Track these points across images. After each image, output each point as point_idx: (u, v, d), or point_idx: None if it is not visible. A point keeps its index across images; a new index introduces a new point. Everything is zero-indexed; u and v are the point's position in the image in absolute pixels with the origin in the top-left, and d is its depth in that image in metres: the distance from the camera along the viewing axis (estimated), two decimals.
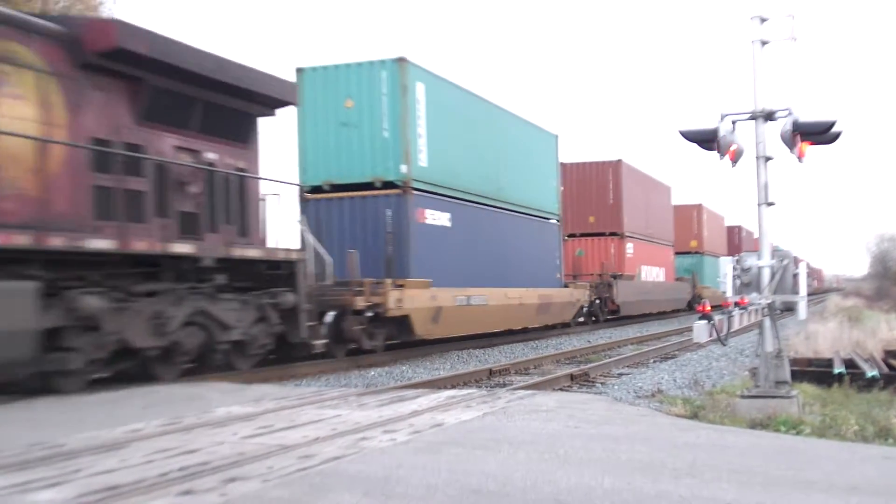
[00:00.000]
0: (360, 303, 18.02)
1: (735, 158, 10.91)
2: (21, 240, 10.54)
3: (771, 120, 10.81)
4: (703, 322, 10.45)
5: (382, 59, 20.23)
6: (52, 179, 11.31)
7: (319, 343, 16.34)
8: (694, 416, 10.64)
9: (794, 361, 14.89)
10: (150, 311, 12.57)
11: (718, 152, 10.79)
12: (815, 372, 15.66)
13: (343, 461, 6.26)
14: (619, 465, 6.13)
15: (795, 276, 11.04)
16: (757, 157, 10.89)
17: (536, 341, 25.55)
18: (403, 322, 19.37)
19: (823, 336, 21.38)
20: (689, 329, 16.00)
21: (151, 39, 12.55)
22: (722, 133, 10.74)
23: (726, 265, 11.49)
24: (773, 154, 10.86)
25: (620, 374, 16.82)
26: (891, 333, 22.34)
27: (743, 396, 10.84)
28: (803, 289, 11.07)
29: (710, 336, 10.55)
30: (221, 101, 14.25)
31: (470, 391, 11.60)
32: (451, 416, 8.57)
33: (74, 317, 11.29)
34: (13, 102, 10.97)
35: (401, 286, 19.10)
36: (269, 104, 15.52)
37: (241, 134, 14.96)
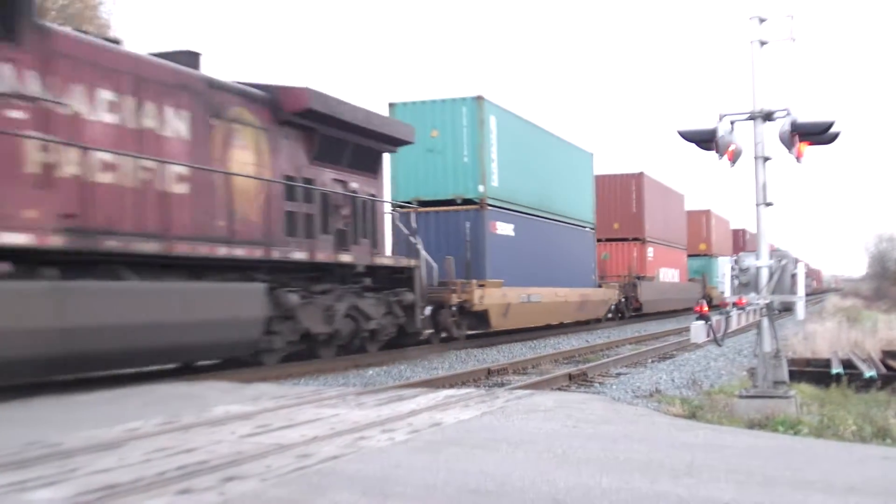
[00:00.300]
0: (454, 299, 22.04)
1: (733, 159, 10.91)
2: (257, 253, 15.14)
3: (769, 120, 10.81)
4: (701, 322, 10.45)
5: (463, 97, 24.54)
6: (263, 207, 15.66)
7: (427, 332, 21.16)
8: (692, 415, 10.64)
9: (792, 362, 14.90)
10: (324, 305, 16.93)
11: (717, 152, 10.79)
12: (813, 372, 15.69)
13: (341, 460, 6.26)
14: (618, 464, 6.13)
15: (794, 276, 11.04)
16: (755, 158, 10.89)
17: (535, 341, 25.57)
18: (482, 315, 23.48)
19: (822, 336, 21.42)
20: (687, 329, 16.01)
21: (326, 100, 17.00)
22: (720, 133, 10.73)
23: (725, 265, 11.49)
24: (771, 154, 10.87)
25: (619, 374, 16.82)
26: (889, 334, 22.37)
27: (741, 396, 10.84)
28: (801, 289, 11.07)
29: (708, 336, 10.55)
30: (363, 143, 18.80)
31: (468, 391, 11.60)
32: (450, 415, 8.57)
33: (282, 309, 15.57)
34: (241, 152, 15.26)
35: (482, 285, 23.20)
36: (395, 143, 20.25)
37: (373, 167, 19.65)
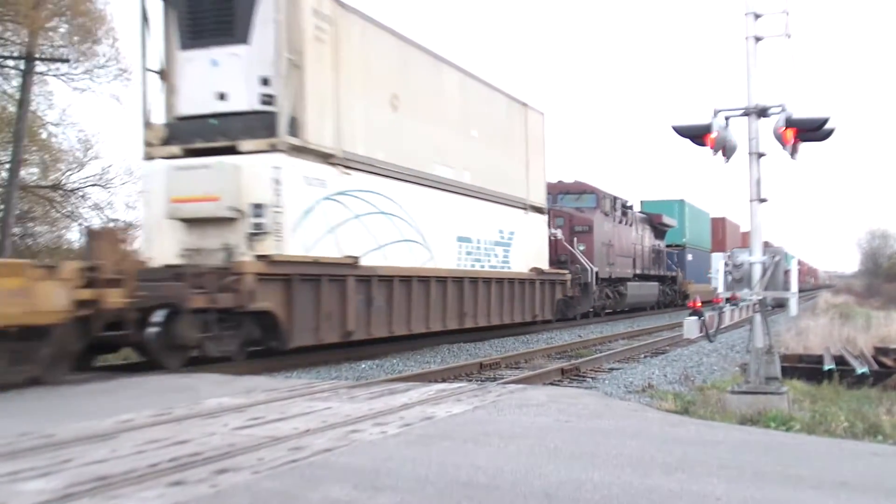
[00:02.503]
0: None
1: (728, 155, 10.92)
2: (653, 273, 42.98)
3: (764, 116, 10.81)
4: (694, 318, 10.45)
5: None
6: (651, 256, 42.40)
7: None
8: (684, 411, 10.65)
9: (784, 358, 14.93)
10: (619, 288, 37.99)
11: (711, 148, 10.79)
12: (805, 368, 15.71)
13: (333, 453, 6.27)
14: (609, 459, 6.14)
15: (787, 272, 11.05)
16: (749, 154, 10.89)
17: (527, 336, 25.56)
18: None
19: (814, 332, 21.46)
20: (680, 325, 16.02)
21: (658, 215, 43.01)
22: (715, 129, 10.74)
23: (718, 261, 11.50)
24: (766, 150, 10.88)
25: (611, 369, 16.83)
26: (881, 330, 22.42)
27: (733, 392, 10.85)
28: (795, 285, 11.08)
29: (701, 332, 10.56)
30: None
31: (460, 385, 11.60)
32: (442, 409, 8.58)
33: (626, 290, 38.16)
34: (647, 236, 41.96)
35: None
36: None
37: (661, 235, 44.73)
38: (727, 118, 10.92)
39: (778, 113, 10.67)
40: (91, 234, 14.27)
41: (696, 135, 10.95)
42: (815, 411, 10.79)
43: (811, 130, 10.67)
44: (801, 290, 11.49)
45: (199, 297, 13.66)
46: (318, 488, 5.22)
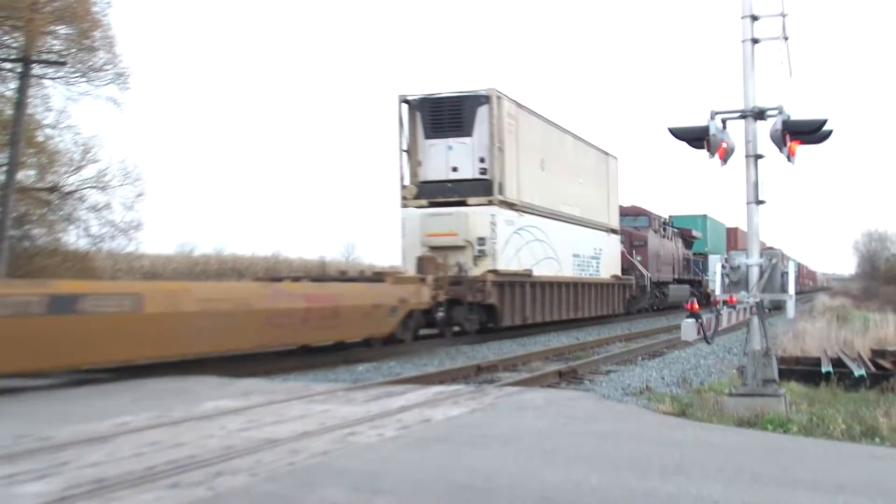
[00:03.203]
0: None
1: (725, 157, 10.92)
2: (687, 278, 49.66)
3: (762, 119, 10.82)
4: (691, 320, 10.45)
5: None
6: (683, 263, 48.86)
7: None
8: (682, 413, 10.65)
9: (781, 360, 14.93)
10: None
11: (708, 151, 10.79)
12: (802, 371, 15.71)
13: (331, 456, 6.26)
14: (607, 462, 6.14)
15: (784, 274, 11.06)
16: (747, 156, 10.90)
17: (525, 338, 25.56)
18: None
19: (811, 335, 21.46)
20: (677, 327, 16.02)
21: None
22: (712, 131, 10.74)
23: (715, 264, 11.49)
24: (763, 153, 10.88)
25: (609, 372, 16.83)
26: (878, 333, 22.43)
27: (731, 395, 10.86)
28: (792, 287, 11.09)
29: (698, 334, 10.56)
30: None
31: (458, 387, 11.59)
32: (439, 411, 8.58)
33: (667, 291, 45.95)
34: (679, 246, 49.47)
35: None
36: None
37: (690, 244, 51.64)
38: (724, 120, 10.92)
39: (775, 115, 10.67)
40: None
41: (693, 137, 10.95)
42: (812, 414, 10.79)
43: (809, 133, 10.68)
44: (800, 293, 11.52)
45: (470, 295, 22.91)
46: (315, 491, 5.22)
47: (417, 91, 25.27)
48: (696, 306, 10.72)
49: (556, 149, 29.76)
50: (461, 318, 22.92)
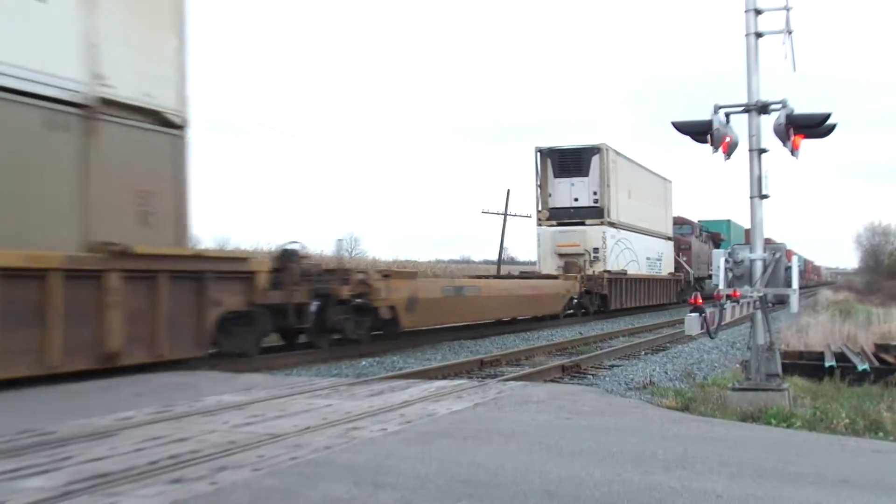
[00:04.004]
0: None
1: (728, 151, 10.90)
2: (703, 274, 52.60)
3: (765, 113, 10.80)
4: (695, 314, 10.43)
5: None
6: (707, 262, 54.41)
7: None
8: (685, 408, 10.65)
9: (785, 354, 14.92)
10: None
11: (712, 145, 10.77)
12: (806, 365, 15.72)
13: (334, 451, 6.26)
14: (610, 456, 6.13)
15: (788, 269, 11.04)
16: (750, 150, 10.88)
17: (528, 332, 25.57)
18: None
19: (815, 329, 21.46)
20: (681, 321, 16.02)
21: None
22: (716, 125, 10.72)
23: (719, 258, 11.48)
24: (767, 147, 10.85)
25: (612, 366, 16.82)
26: (882, 327, 22.41)
27: (734, 389, 10.85)
28: (795, 282, 11.06)
29: (702, 328, 10.55)
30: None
31: (461, 382, 11.59)
32: (443, 406, 8.57)
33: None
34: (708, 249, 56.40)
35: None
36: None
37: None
38: (728, 115, 10.90)
39: (779, 109, 10.65)
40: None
41: (697, 132, 10.93)
42: (815, 408, 10.78)
43: (812, 127, 10.65)
44: (806, 287, 11.51)
45: (597, 287, 33.23)
46: (318, 486, 5.21)
47: (545, 143, 37.60)
48: (700, 301, 10.70)
49: (637, 179, 39.76)
50: (587, 303, 32.82)
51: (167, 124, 13.24)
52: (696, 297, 10.88)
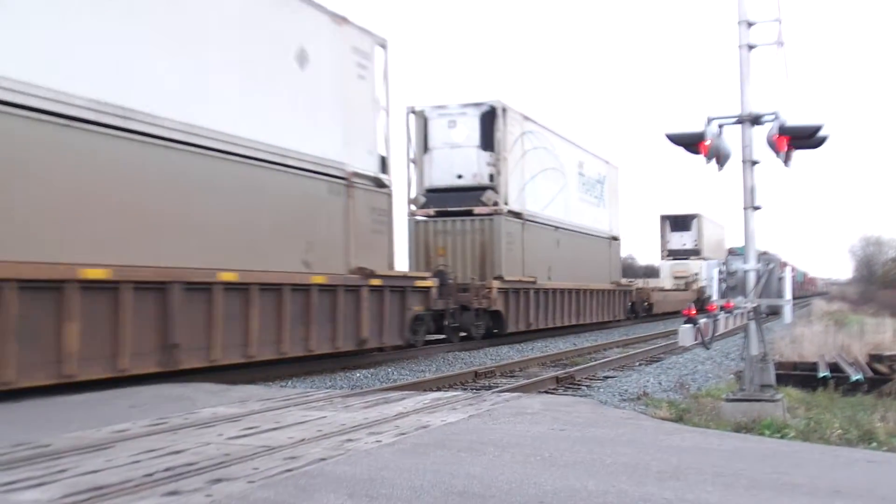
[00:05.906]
0: None
1: (721, 162, 10.94)
2: None
3: (758, 124, 10.84)
4: (689, 326, 10.46)
5: None
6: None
7: None
8: (679, 419, 10.67)
9: (779, 365, 14.93)
10: None
11: (705, 156, 10.81)
12: (800, 375, 15.73)
13: (328, 463, 6.27)
14: (604, 467, 6.15)
15: (781, 279, 11.07)
16: (743, 161, 10.92)
17: (522, 344, 25.58)
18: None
19: (809, 340, 21.47)
20: (675, 333, 16.04)
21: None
22: (708, 137, 10.76)
23: (712, 269, 11.49)
24: (759, 158, 10.89)
25: (606, 377, 16.84)
26: (875, 337, 22.44)
27: (728, 400, 10.86)
28: (789, 292, 11.10)
29: (696, 340, 10.57)
30: None
31: (455, 393, 11.61)
32: (437, 417, 8.58)
33: None
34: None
35: None
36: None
37: None
38: (721, 126, 10.94)
39: (771, 121, 10.69)
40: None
41: (690, 143, 10.96)
42: (809, 419, 10.81)
43: (804, 138, 10.70)
44: (802, 297, 11.55)
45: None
46: (313, 497, 5.22)
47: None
48: (694, 312, 10.73)
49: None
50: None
51: (381, 185, 19.38)
52: (689, 309, 10.92)
